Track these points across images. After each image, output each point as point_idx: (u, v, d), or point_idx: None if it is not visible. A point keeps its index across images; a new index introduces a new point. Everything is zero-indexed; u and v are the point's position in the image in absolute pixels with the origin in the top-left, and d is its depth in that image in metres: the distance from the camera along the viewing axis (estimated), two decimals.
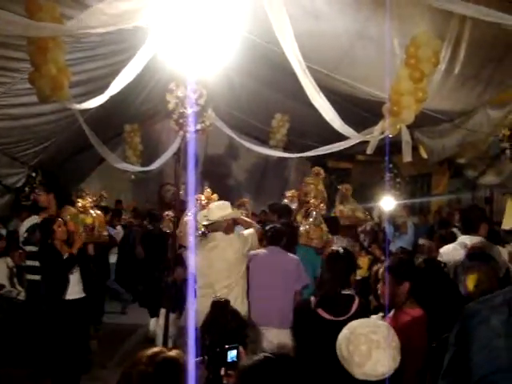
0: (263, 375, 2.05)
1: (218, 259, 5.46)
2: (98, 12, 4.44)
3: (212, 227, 5.70)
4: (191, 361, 2.01)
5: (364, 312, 3.82)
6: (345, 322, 2.83)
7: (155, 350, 1.88)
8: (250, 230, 5.87)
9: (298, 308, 3.96)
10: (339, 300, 3.89)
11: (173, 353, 1.88)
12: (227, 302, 3.44)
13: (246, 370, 2.10)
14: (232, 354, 2.65)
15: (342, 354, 2.61)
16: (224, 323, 3.23)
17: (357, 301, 3.92)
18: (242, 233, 5.85)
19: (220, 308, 3.39)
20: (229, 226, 5.70)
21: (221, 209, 5.72)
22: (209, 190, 6.86)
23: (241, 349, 2.72)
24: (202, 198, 6.53)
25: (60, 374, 5.86)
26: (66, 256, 5.93)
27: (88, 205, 6.66)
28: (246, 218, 6.32)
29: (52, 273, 5.99)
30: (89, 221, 6.56)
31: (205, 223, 5.71)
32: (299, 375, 2.08)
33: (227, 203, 5.96)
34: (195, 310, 5.03)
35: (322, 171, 8.07)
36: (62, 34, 5.19)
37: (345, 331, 2.67)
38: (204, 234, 5.82)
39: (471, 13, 4.12)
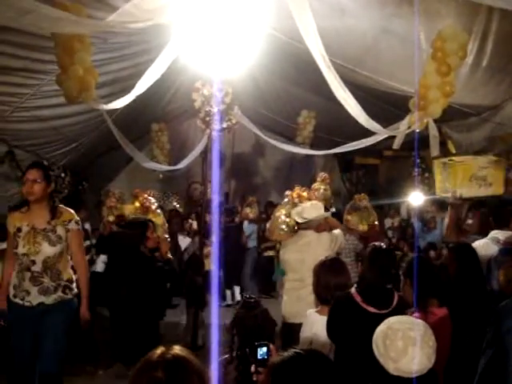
0: (294, 371, 2.06)
1: (310, 256, 5.49)
2: (133, 9, 4.43)
3: (304, 225, 5.87)
4: (216, 359, 2.01)
5: (403, 306, 3.83)
6: (388, 315, 2.85)
7: (157, 352, 1.84)
8: (338, 231, 6.07)
9: (337, 300, 3.93)
10: (382, 294, 3.90)
11: (177, 350, 1.85)
12: (257, 302, 3.45)
13: (277, 366, 2.10)
14: (262, 351, 2.64)
15: (377, 348, 2.63)
16: (251, 323, 3.24)
17: (396, 295, 3.93)
18: (332, 232, 6.00)
19: (249, 308, 3.39)
20: (322, 225, 5.94)
21: (316, 208, 5.94)
22: (298, 187, 6.70)
23: (271, 346, 2.72)
24: (294, 195, 6.45)
25: None
26: (161, 264, 5.34)
27: (153, 204, 6.06)
28: (333, 219, 6.49)
29: (152, 284, 5.32)
30: (159, 221, 5.97)
31: (299, 221, 5.87)
32: (329, 371, 2.10)
33: (320, 203, 6.21)
34: (283, 301, 5.78)
35: (327, 176, 8.28)
36: (100, 30, 5.16)
37: (382, 326, 2.69)
38: (295, 231, 5.99)
39: (499, 4, 4.07)
